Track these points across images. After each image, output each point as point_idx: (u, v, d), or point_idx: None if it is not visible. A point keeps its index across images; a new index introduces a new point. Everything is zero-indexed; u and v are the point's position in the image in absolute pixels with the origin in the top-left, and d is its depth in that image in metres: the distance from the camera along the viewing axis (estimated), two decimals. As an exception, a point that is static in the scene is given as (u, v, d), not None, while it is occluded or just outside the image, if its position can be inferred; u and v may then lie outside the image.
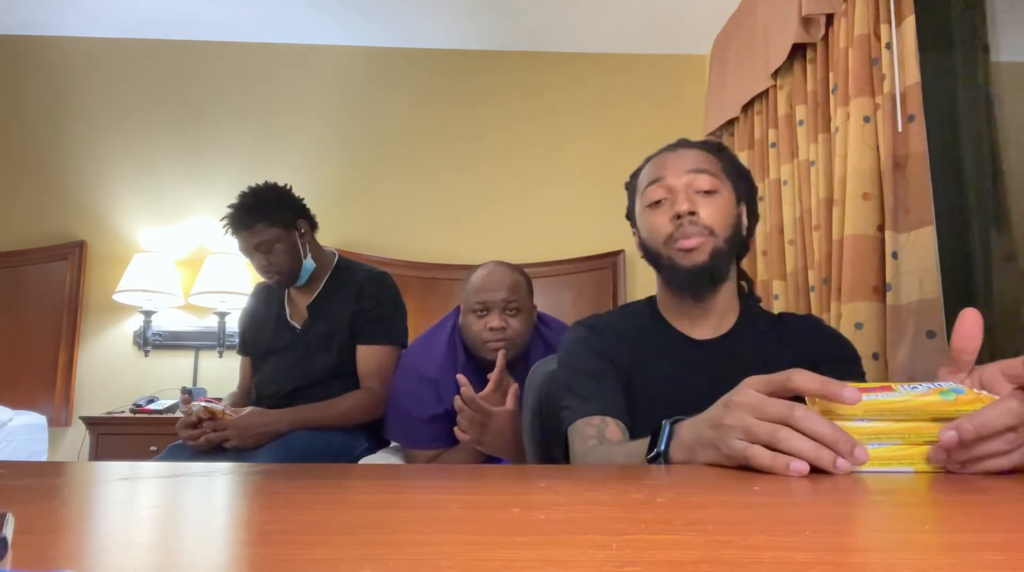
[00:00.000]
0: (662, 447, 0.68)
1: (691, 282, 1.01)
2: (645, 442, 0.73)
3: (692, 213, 0.99)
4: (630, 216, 1.15)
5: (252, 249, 1.81)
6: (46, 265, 3.07)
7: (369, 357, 1.83)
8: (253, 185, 1.86)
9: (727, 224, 1.02)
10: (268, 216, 1.80)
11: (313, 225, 1.93)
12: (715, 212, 1.00)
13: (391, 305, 1.89)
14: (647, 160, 1.12)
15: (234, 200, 1.83)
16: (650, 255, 1.06)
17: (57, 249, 3.09)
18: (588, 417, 0.97)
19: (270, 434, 1.68)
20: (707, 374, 1.01)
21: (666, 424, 0.69)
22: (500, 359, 1.44)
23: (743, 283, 1.12)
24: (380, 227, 3.23)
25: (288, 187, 1.90)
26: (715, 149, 1.08)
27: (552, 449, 1.27)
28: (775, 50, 2.44)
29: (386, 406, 1.74)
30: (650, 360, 1.04)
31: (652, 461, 0.69)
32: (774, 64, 2.45)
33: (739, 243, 1.06)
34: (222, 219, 1.84)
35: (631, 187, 1.14)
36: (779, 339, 1.05)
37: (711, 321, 1.05)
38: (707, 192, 1.01)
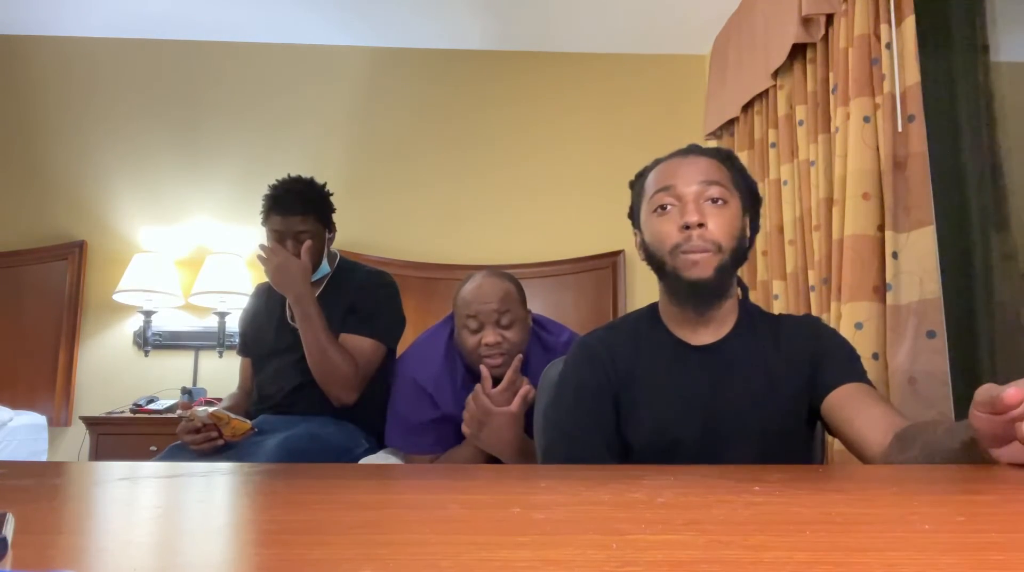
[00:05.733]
0: None
1: (694, 295, 1.02)
2: None
3: (701, 225, 0.99)
4: (632, 216, 1.15)
5: (290, 235, 1.78)
6: (46, 265, 3.07)
7: (349, 345, 1.76)
8: (301, 175, 1.88)
9: (733, 237, 1.02)
10: (318, 211, 1.84)
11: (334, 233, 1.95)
12: (723, 225, 1.01)
13: (383, 301, 1.86)
14: (656, 162, 1.11)
15: (275, 183, 1.83)
16: (653, 260, 1.06)
17: (57, 249, 3.08)
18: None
19: (300, 284, 1.69)
20: (705, 378, 1.04)
21: None
22: (488, 373, 1.45)
23: (739, 289, 1.13)
24: (380, 227, 3.23)
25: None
26: (725, 158, 1.09)
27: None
28: (775, 50, 2.44)
29: (386, 413, 1.71)
30: (649, 367, 1.06)
31: None
32: (774, 64, 2.45)
33: (743, 255, 1.06)
34: (269, 195, 1.81)
35: (636, 186, 1.14)
36: (776, 341, 1.06)
37: (711, 328, 1.07)
38: (717, 203, 1.01)
